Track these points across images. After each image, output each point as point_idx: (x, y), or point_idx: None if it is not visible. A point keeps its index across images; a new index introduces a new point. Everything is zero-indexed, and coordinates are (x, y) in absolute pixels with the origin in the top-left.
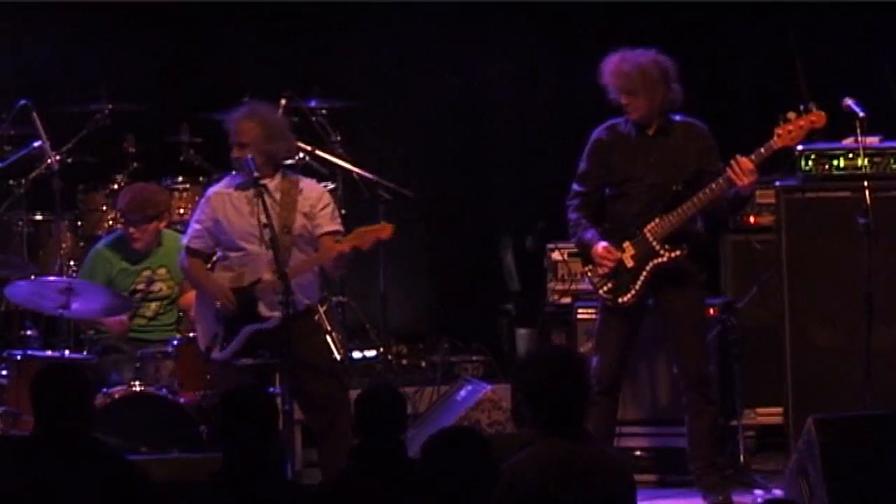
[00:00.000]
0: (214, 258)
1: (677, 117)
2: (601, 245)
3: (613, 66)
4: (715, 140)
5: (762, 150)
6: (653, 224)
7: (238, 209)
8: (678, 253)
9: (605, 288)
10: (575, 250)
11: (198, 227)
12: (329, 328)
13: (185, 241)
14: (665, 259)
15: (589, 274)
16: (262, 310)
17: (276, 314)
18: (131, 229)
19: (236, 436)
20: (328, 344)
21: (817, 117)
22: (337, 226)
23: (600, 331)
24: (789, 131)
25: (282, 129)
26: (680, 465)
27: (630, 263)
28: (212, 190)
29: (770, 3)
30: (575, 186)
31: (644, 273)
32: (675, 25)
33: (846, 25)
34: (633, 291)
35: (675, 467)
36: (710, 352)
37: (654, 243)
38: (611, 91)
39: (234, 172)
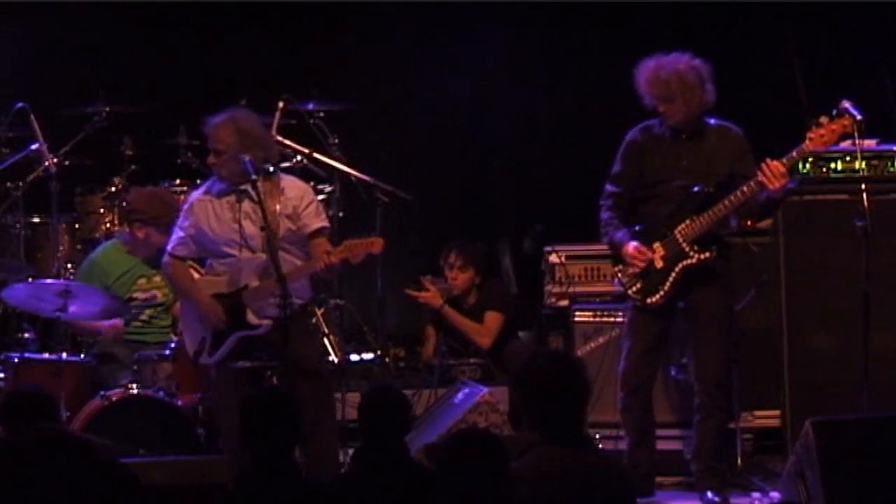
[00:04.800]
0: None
1: (712, 120)
2: (632, 245)
3: (650, 74)
4: (748, 144)
5: (794, 153)
6: (683, 225)
7: (219, 217)
8: (707, 255)
9: (634, 288)
10: (573, 253)
11: (181, 234)
12: (326, 331)
13: (169, 248)
14: (694, 260)
15: (619, 274)
16: (251, 317)
17: (265, 321)
18: (151, 230)
19: (261, 438)
20: (318, 344)
21: (849, 121)
22: (323, 222)
23: (628, 331)
24: (821, 135)
25: (258, 137)
26: (677, 466)
27: (660, 264)
28: (194, 196)
29: (768, 4)
30: (608, 187)
31: (673, 274)
32: (673, 26)
33: (844, 28)
34: (661, 292)
35: (672, 469)
36: (728, 360)
37: (684, 245)
38: (647, 98)
39: (213, 178)
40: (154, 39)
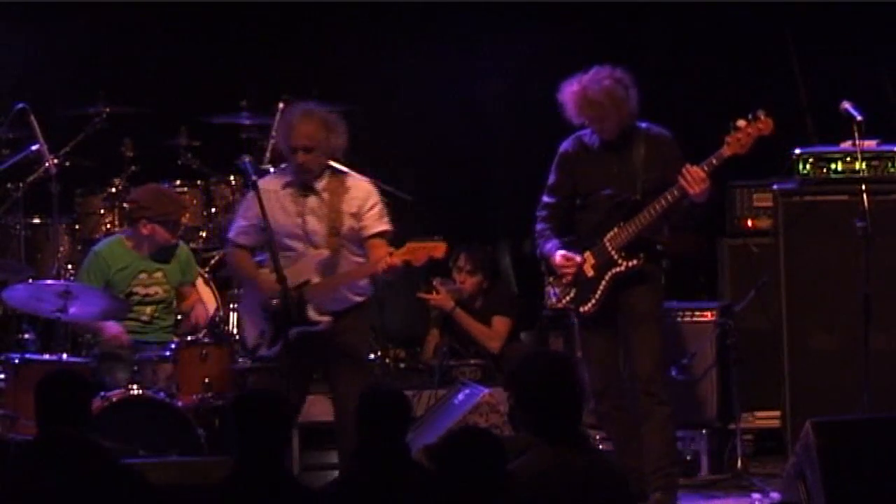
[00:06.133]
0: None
1: (643, 125)
2: (559, 254)
3: (578, 98)
4: (678, 148)
5: (713, 158)
6: (612, 234)
7: (285, 208)
8: (634, 262)
9: (567, 298)
10: None
11: (244, 223)
12: None
13: (231, 235)
14: (622, 268)
15: (552, 285)
16: (311, 314)
17: (325, 318)
18: (157, 226)
19: (250, 438)
20: (368, 341)
21: (765, 125)
22: (385, 226)
23: (581, 344)
24: (738, 139)
25: (338, 126)
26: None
27: (590, 273)
28: (261, 184)
29: (768, 4)
30: (544, 198)
31: (604, 282)
32: (673, 28)
33: (844, 28)
34: (593, 300)
35: None
36: (663, 353)
37: (613, 252)
38: (576, 119)
39: (280, 168)
40: (154, 40)
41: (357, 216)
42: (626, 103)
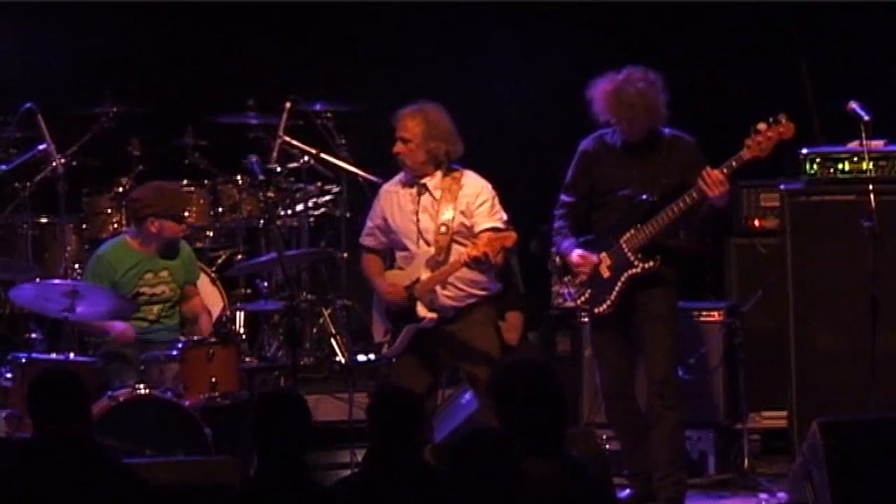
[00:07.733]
0: None
1: (666, 130)
2: (576, 253)
3: (610, 97)
4: (701, 153)
5: (732, 161)
6: (628, 235)
7: (402, 208)
8: (651, 264)
9: (582, 298)
10: None
11: (370, 224)
12: (334, 331)
13: (361, 238)
14: (639, 270)
15: (567, 285)
16: (420, 310)
17: (431, 315)
18: (165, 221)
19: (270, 438)
20: (495, 335)
21: (786, 129)
22: (494, 221)
23: (594, 345)
24: (759, 142)
25: (445, 130)
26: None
27: (606, 274)
28: (384, 186)
29: (775, 4)
30: (562, 196)
31: (619, 284)
32: (678, 29)
33: (852, 28)
34: (608, 302)
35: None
36: (677, 355)
37: (629, 254)
38: (604, 117)
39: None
40: (161, 40)
41: (466, 213)
42: (658, 107)
